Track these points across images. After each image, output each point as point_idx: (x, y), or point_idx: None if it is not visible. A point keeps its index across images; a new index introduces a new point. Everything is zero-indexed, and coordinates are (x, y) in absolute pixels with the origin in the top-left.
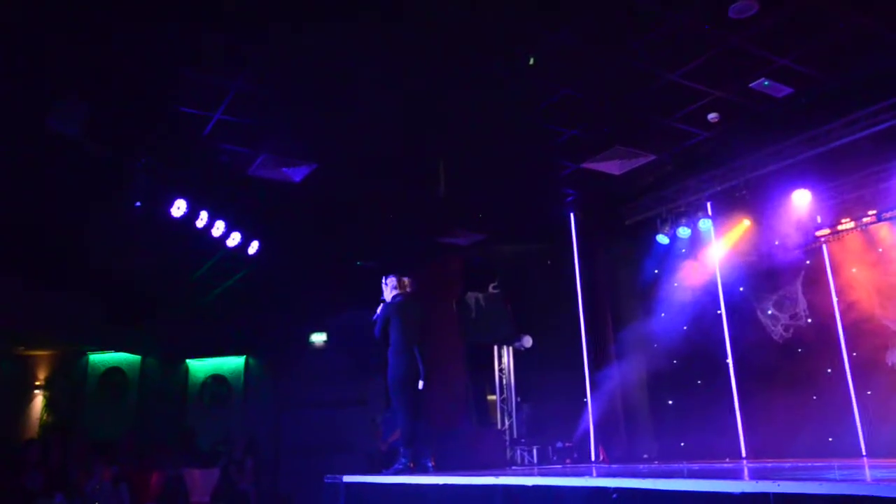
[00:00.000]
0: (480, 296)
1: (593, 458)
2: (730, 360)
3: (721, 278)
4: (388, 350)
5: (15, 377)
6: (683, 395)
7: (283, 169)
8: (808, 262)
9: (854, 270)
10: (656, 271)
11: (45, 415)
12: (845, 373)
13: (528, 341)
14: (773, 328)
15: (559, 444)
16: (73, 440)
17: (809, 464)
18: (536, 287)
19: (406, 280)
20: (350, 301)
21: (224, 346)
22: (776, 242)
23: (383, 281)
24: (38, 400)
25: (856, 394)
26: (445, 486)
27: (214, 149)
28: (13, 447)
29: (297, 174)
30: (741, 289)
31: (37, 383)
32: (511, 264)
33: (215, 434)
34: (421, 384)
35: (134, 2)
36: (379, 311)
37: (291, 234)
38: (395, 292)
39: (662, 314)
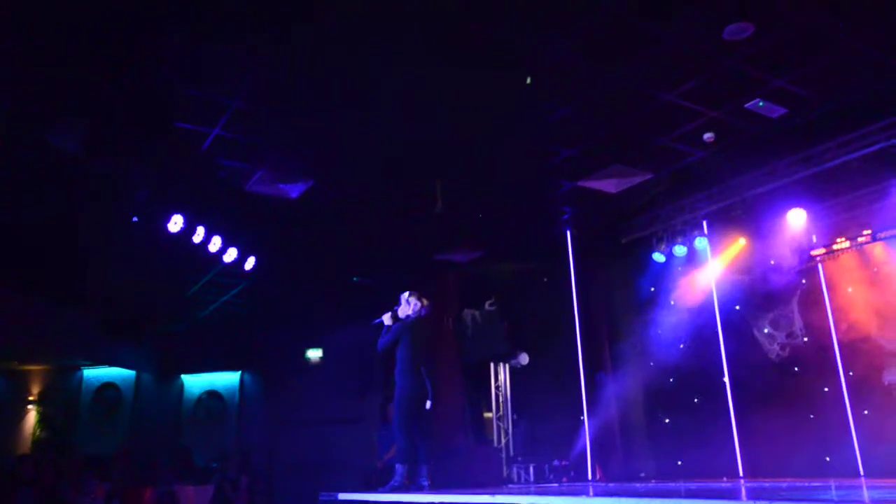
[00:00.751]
0: (477, 313)
1: (590, 477)
2: (726, 379)
3: (717, 297)
4: (394, 369)
5: (8, 392)
6: (680, 414)
7: (281, 185)
8: (803, 281)
9: (850, 290)
10: (652, 289)
11: (38, 430)
12: (842, 392)
13: (524, 359)
14: (769, 347)
15: (556, 462)
16: (66, 456)
17: (807, 483)
18: (533, 304)
19: (425, 301)
20: (346, 317)
21: (219, 362)
22: (772, 261)
23: (406, 296)
24: (31, 415)
25: (853, 413)
26: None
27: (212, 164)
28: (5, 463)
29: (294, 190)
30: (737, 307)
31: (30, 398)
32: (507, 281)
33: (210, 450)
34: (429, 404)
35: (134, 17)
36: (386, 319)
37: (288, 251)
38: (412, 313)
39: (659, 332)
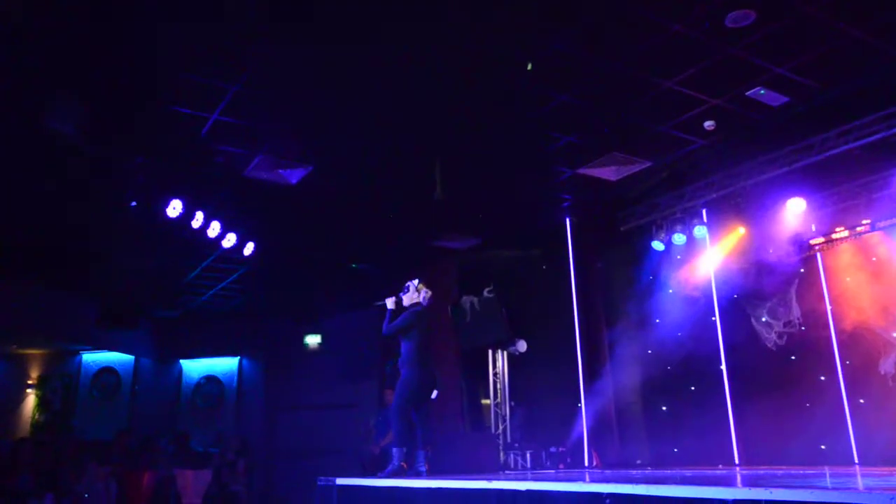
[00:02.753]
0: (475, 300)
1: (587, 463)
2: (724, 367)
3: (715, 285)
4: (399, 359)
5: (7, 376)
6: (677, 402)
7: (280, 170)
8: (802, 269)
9: (848, 279)
10: (651, 277)
11: (37, 414)
12: (838, 381)
13: (522, 346)
14: (766, 335)
15: (553, 449)
16: (65, 440)
17: (802, 471)
18: (532, 291)
19: (430, 294)
20: (345, 303)
21: (218, 347)
22: (771, 250)
23: (415, 283)
24: (31, 399)
25: (848, 402)
26: (438, 489)
27: (211, 149)
28: (4, 446)
29: (293, 176)
30: (735, 296)
31: (29, 382)
32: (506, 268)
33: (208, 435)
34: (435, 394)
35: (133, 1)
36: (389, 303)
37: (287, 236)
38: (419, 302)
39: (657, 320)
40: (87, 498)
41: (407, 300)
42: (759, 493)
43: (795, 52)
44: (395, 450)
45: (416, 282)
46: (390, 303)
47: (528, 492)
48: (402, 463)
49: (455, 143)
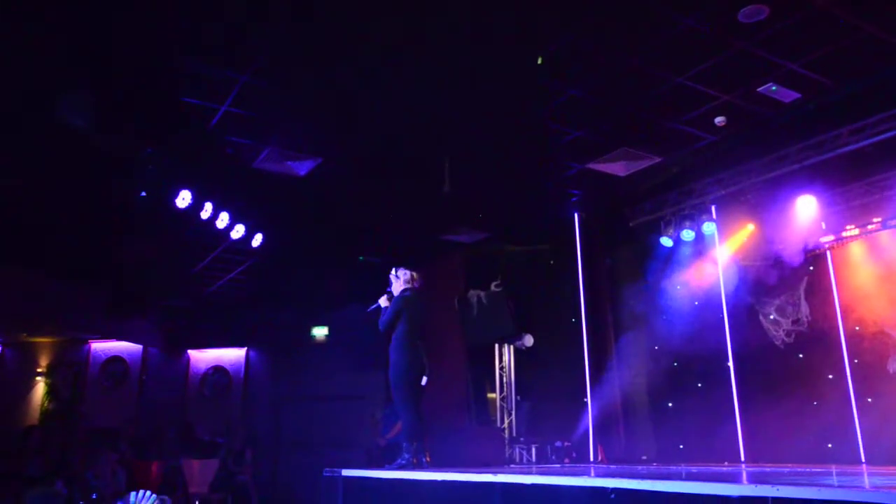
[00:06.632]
0: (482, 294)
1: (592, 458)
2: (731, 364)
3: (724, 282)
4: (389, 345)
5: (17, 364)
6: (683, 398)
7: (288, 162)
8: (811, 267)
9: (858, 278)
10: (659, 273)
11: (46, 402)
12: (846, 379)
13: (529, 340)
14: (774, 333)
15: (558, 444)
16: (73, 428)
17: (808, 469)
18: (539, 286)
19: (416, 274)
20: (352, 296)
21: (225, 338)
22: (780, 248)
23: (394, 272)
24: (40, 387)
25: (856, 401)
26: (444, 482)
27: (220, 141)
28: (14, 433)
29: (301, 168)
30: (744, 293)
31: (38, 370)
32: (514, 263)
33: (215, 425)
34: (424, 380)
35: None
36: (383, 301)
37: (295, 228)
38: (405, 286)
39: (664, 316)
40: (96, 485)
41: (396, 289)
42: (764, 491)
43: (808, 49)
44: (406, 444)
45: (395, 270)
46: (383, 301)
47: (534, 485)
48: (413, 459)
49: (464, 137)
